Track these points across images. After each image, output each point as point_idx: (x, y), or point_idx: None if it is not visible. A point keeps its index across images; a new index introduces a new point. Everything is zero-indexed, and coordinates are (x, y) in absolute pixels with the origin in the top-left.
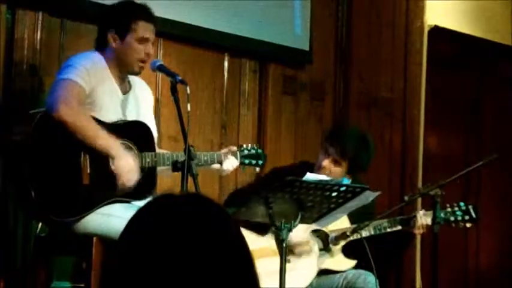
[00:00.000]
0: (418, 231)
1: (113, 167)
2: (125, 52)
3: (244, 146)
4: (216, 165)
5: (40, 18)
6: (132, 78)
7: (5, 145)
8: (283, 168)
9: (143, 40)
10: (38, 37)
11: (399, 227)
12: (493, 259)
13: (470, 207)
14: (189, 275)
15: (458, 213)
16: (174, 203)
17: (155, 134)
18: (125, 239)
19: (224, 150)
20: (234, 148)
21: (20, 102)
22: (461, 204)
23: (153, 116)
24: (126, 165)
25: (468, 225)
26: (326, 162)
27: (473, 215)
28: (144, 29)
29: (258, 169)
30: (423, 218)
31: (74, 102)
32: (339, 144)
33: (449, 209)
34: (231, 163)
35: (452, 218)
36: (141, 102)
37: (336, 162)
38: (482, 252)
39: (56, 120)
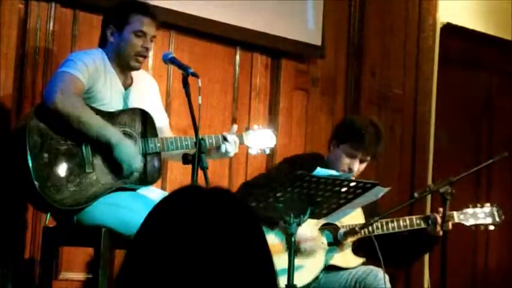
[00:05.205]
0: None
1: (115, 155)
2: (122, 46)
3: (251, 128)
4: (221, 150)
5: (53, 9)
6: (134, 72)
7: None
8: (297, 158)
9: (140, 33)
10: (51, 28)
11: (416, 227)
12: (502, 257)
13: (494, 209)
14: (211, 269)
15: (481, 215)
16: (199, 197)
17: (165, 122)
18: (147, 231)
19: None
20: (235, 126)
21: (33, 93)
22: (486, 205)
23: (160, 103)
24: (128, 153)
25: (491, 227)
26: (355, 165)
27: (497, 218)
28: (142, 23)
29: (268, 151)
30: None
31: (71, 93)
32: (365, 148)
33: (470, 211)
34: (233, 139)
35: (472, 221)
36: (145, 94)
37: (362, 161)
38: (492, 250)
39: (52, 111)
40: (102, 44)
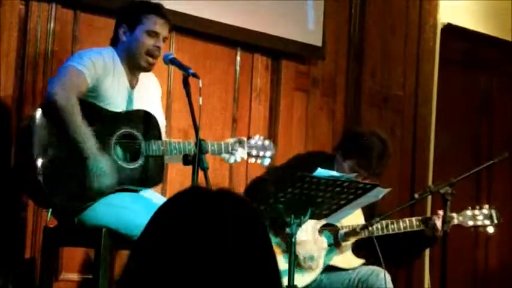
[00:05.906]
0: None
1: (88, 167)
2: (133, 44)
3: (252, 137)
4: (230, 161)
5: (53, 9)
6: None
7: (16, 133)
8: (310, 157)
9: (153, 33)
10: (51, 29)
11: (415, 228)
12: (503, 255)
13: (493, 211)
14: (215, 270)
15: (480, 217)
16: (202, 199)
17: (163, 124)
18: (151, 233)
19: (232, 140)
20: (244, 138)
21: (33, 94)
22: (485, 207)
23: (159, 106)
24: (97, 169)
25: (490, 230)
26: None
27: (495, 220)
28: (154, 23)
29: (266, 162)
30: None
31: (71, 88)
32: (371, 170)
33: (469, 212)
34: (239, 154)
35: (471, 223)
36: (147, 95)
37: (365, 178)
38: (492, 248)
39: (52, 102)
40: (114, 43)
